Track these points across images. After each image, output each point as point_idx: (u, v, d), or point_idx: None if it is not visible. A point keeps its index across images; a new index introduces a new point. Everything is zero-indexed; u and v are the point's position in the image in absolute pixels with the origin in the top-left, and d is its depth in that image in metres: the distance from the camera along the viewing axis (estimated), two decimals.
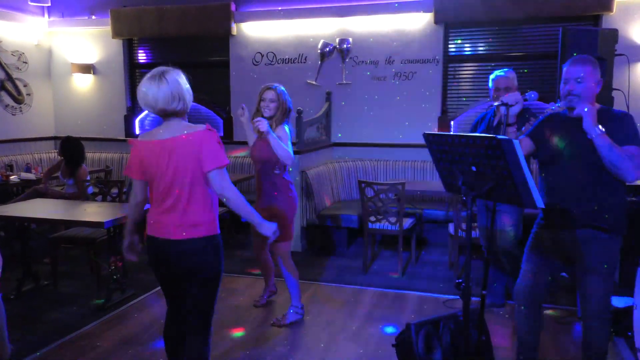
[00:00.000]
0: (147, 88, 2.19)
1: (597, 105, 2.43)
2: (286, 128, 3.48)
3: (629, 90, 4.33)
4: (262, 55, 6.48)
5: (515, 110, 2.51)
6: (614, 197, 2.40)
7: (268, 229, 2.41)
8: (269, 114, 3.44)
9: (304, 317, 3.73)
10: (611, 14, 5.29)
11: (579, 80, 2.40)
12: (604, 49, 3.66)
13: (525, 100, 2.54)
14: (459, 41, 5.97)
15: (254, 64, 6.52)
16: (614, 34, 3.75)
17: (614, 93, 3.77)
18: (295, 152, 4.92)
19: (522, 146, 2.47)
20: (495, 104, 2.61)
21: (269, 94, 3.45)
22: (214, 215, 2.31)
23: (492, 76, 3.65)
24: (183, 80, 2.25)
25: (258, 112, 3.49)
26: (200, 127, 2.24)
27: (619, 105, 3.95)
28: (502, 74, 3.59)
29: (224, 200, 2.27)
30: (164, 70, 2.22)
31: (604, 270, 2.44)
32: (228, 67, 6.65)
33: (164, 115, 2.25)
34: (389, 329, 3.52)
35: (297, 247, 5.18)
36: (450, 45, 5.97)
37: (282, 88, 3.52)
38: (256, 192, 3.61)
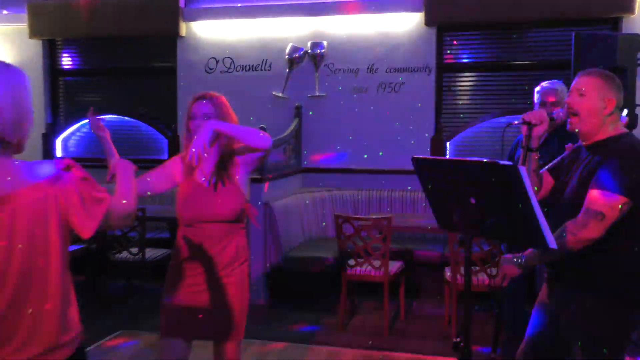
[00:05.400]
0: None
1: (613, 133, 2.31)
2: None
3: None
4: (217, 61, 6.49)
5: (539, 131, 2.43)
6: (603, 253, 2.22)
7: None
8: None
9: None
10: (633, 16, 5.46)
11: (581, 93, 2.32)
12: (625, 57, 3.74)
13: (551, 119, 2.46)
14: (455, 47, 6.09)
15: (207, 71, 6.52)
16: (636, 40, 3.84)
17: (638, 110, 3.85)
18: (255, 180, 4.91)
19: (540, 183, 2.47)
20: (516, 122, 2.57)
21: (201, 108, 2.69)
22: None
23: (537, 88, 3.73)
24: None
25: (188, 139, 2.70)
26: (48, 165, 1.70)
27: None
28: (548, 85, 3.66)
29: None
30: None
31: (584, 340, 2.29)
32: (175, 74, 6.64)
33: None
34: None
35: (259, 298, 5.09)
36: (444, 52, 6.09)
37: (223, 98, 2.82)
38: (182, 266, 2.65)
